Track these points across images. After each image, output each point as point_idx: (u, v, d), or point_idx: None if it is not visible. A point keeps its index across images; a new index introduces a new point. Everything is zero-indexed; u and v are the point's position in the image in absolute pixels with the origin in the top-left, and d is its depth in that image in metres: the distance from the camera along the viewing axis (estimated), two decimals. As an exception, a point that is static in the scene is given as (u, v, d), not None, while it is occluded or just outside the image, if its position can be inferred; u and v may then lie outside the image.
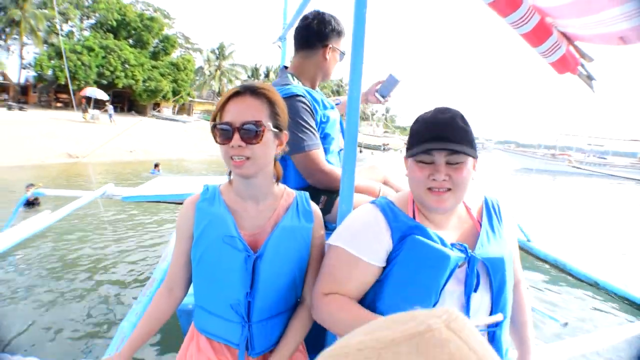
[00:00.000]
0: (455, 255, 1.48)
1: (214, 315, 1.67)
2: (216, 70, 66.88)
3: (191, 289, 1.78)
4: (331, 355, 0.51)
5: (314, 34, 2.54)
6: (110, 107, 33.95)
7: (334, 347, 0.52)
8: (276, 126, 1.58)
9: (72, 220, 7.45)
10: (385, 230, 1.54)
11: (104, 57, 44.58)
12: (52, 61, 41.75)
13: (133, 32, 51.67)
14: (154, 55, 53.35)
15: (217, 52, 67.99)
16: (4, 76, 44.11)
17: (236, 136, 1.50)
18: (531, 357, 1.76)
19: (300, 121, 2.30)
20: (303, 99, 2.35)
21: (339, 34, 2.57)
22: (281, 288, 1.64)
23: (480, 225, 1.64)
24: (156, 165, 15.53)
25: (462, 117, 1.52)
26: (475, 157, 1.52)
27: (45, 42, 45.39)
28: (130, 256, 6.23)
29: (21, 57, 47.58)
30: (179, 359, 1.74)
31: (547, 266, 6.67)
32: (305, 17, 2.59)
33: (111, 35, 48.39)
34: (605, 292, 5.66)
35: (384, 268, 1.54)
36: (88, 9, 49.69)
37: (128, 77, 46.15)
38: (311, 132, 2.33)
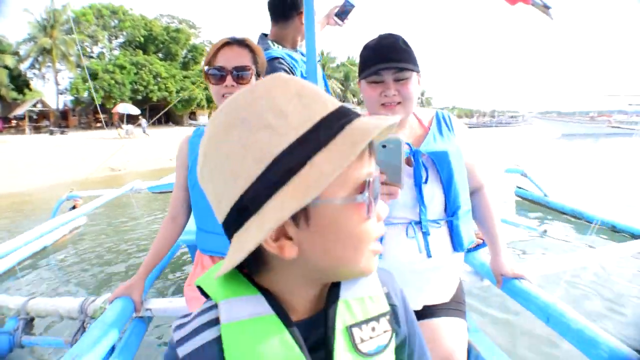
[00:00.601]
0: None
1: (212, 233, 1.92)
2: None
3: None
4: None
5: (288, 6, 2.83)
6: (142, 121, 34.54)
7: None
8: (257, 71, 1.92)
9: (109, 212, 8.38)
10: None
11: (136, 73, 45.94)
12: (87, 83, 43.03)
13: (161, 45, 52.93)
14: (184, 66, 54.51)
15: (246, 54, 69.06)
16: (43, 103, 45.84)
17: (229, 78, 1.84)
18: (502, 254, 1.96)
19: None
20: (282, 61, 2.64)
21: None
22: None
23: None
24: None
25: (403, 40, 1.74)
26: (418, 71, 1.73)
27: (78, 65, 47.03)
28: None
29: (57, 83, 49.65)
30: (188, 282, 2.04)
31: (565, 217, 6.76)
32: None
33: (140, 52, 49.77)
34: (622, 234, 5.67)
35: None
36: (115, 29, 51.25)
37: (161, 89, 47.34)
38: None
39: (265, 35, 2.96)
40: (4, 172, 16.30)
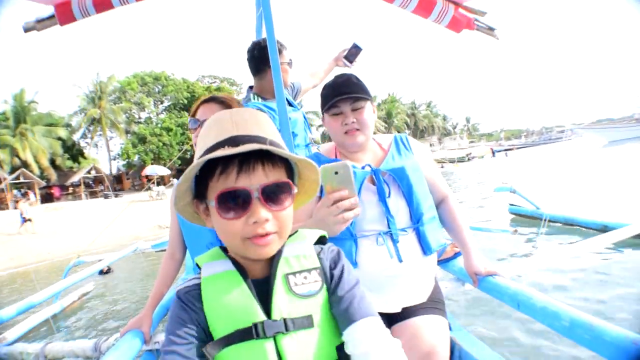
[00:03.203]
0: (361, 171, 1.92)
1: None
2: (289, 123, 68.76)
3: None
4: None
5: (259, 61, 3.04)
6: (174, 181, 35.36)
7: None
8: None
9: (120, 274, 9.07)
10: None
11: (182, 134, 47.77)
12: (136, 147, 45.00)
13: (206, 105, 54.42)
14: (229, 122, 56.00)
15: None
16: (96, 169, 48.34)
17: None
18: (473, 255, 2.08)
19: None
20: None
21: (279, 51, 2.97)
22: None
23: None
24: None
25: (355, 77, 2.04)
26: (371, 101, 2.01)
27: (127, 131, 49.42)
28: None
29: (108, 150, 52.30)
30: None
31: (558, 225, 6.94)
32: (248, 50, 3.13)
33: (185, 113, 51.48)
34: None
35: (319, 197, 1.80)
36: (159, 94, 53.56)
37: (208, 147, 48.68)
38: None
39: (252, 87, 3.24)
40: (65, 235, 17.38)
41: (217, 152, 0.97)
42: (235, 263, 1.08)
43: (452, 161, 53.71)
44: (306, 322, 1.01)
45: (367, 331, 1.03)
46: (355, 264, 1.84)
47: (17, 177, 39.04)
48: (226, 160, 0.99)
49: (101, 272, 9.08)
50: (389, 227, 1.89)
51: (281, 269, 1.05)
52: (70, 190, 45.70)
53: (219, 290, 1.04)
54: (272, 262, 1.06)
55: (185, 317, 1.03)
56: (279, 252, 1.07)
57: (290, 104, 3.10)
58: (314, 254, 1.11)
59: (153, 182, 35.89)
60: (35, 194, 38.94)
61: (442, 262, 2.58)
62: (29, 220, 21.20)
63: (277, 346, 0.98)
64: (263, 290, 1.03)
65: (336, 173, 1.48)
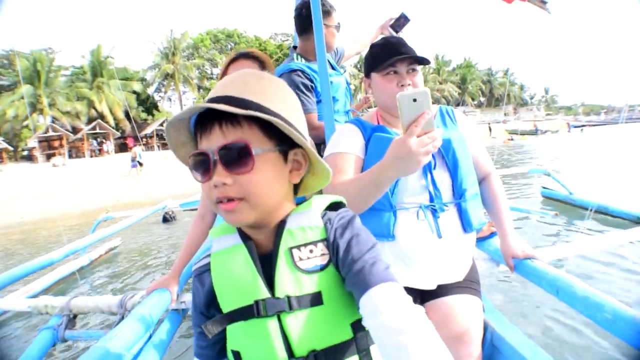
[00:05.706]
0: None
1: None
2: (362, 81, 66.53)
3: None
4: None
5: (306, 21, 2.81)
6: None
7: None
8: None
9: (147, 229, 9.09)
10: (357, 131, 1.90)
11: (253, 91, 48.30)
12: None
13: (276, 62, 54.43)
14: (300, 80, 56.15)
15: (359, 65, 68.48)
16: (169, 123, 49.43)
17: None
18: (510, 236, 2.00)
19: (297, 90, 2.74)
20: (300, 73, 2.83)
21: (327, 12, 2.86)
22: None
23: None
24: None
25: (405, 40, 1.94)
26: (427, 63, 1.89)
27: (199, 87, 51.14)
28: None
29: (181, 104, 54.21)
30: None
31: (589, 213, 6.42)
32: (296, 8, 3.01)
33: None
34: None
35: (363, 160, 1.87)
36: (231, 51, 53.66)
37: (277, 105, 49.47)
38: (305, 99, 2.81)
39: (295, 47, 3.16)
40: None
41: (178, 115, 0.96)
42: (243, 235, 1.02)
43: (523, 133, 51.38)
44: (314, 299, 0.93)
45: (384, 298, 0.84)
46: (392, 236, 1.78)
47: (94, 128, 41.46)
48: (201, 124, 0.95)
49: (165, 220, 9.57)
50: (431, 201, 1.81)
51: (285, 243, 0.97)
52: (144, 141, 47.66)
53: (226, 266, 1.00)
54: (276, 234, 0.99)
55: (199, 295, 1.06)
56: (283, 223, 0.99)
57: (332, 67, 3.06)
58: (321, 224, 0.99)
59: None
60: (110, 143, 41.21)
61: (478, 241, 2.47)
62: (141, 164, 23.22)
63: (282, 325, 0.93)
64: (269, 266, 0.97)
65: (414, 100, 1.31)
